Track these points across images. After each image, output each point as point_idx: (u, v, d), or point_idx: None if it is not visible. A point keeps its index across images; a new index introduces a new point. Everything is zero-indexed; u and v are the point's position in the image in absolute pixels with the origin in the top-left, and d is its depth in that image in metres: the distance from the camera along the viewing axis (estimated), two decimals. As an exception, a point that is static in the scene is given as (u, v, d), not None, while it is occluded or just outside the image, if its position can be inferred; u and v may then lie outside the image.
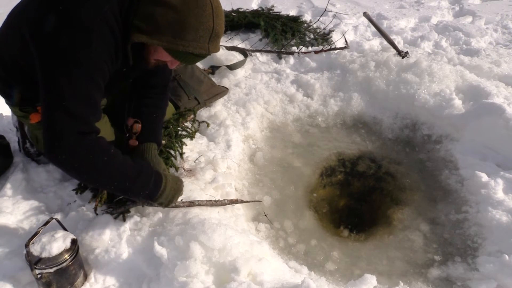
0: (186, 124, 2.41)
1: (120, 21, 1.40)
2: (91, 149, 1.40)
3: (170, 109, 2.32)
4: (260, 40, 3.60)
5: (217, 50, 1.49)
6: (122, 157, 1.50)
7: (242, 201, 1.98)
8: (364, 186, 2.54)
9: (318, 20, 3.86)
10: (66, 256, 1.45)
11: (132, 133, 1.84)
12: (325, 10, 4.06)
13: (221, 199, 1.91)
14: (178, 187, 1.67)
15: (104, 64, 1.42)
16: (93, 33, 1.33)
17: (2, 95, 1.75)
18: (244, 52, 3.33)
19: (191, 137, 2.32)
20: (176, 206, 1.76)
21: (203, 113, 2.61)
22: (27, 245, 1.42)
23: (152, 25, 1.37)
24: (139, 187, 1.52)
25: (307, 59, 3.29)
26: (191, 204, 1.79)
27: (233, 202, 1.94)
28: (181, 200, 1.79)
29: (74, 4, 1.34)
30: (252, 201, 2.09)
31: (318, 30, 3.75)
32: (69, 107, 1.34)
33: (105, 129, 1.89)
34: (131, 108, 1.91)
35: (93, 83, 1.41)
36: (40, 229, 1.47)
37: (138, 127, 1.83)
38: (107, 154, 1.44)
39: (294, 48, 3.45)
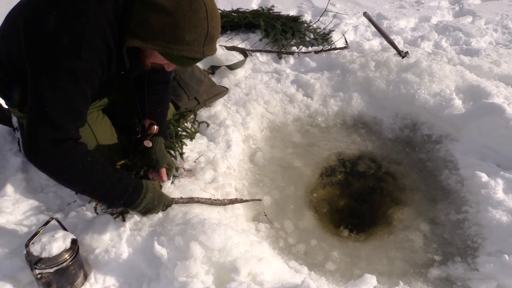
0: (186, 124, 2.41)
1: (115, 25, 1.39)
2: (65, 156, 1.41)
3: (170, 110, 2.32)
4: (260, 40, 3.60)
5: (213, 52, 1.47)
6: (101, 166, 1.49)
7: (242, 200, 1.99)
8: (364, 186, 2.53)
9: (318, 20, 3.86)
10: (66, 256, 1.45)
11: (147, 134, 1.83)
12: (325, 10, 4.06)
13: (220, 199, 1.91)
14: (159, 199, 1.66)
15: (93, 73, 1.42)
16: (83, 42, 1.32)
17: (1, 97, 1.75)
18: (244, 52, 3.32)
19: (191, 137, 2.32)
20: (176, 202, 1.77)
21: (203, 113, 2.61)
22: (27, 245, 1.41)
23: (145, 30, 1.36)
24: (113, 197, 1.54)
25: (307, 59, 3.29)
26: (191, 200, 1.79)
27: (233, 201, 1.94)
28: (180, 197, 1.80)
29: (68, 11, 1.33)
30: (252, 200, 2.09)
31: (318, 30, 3.75)
32: (48, 113, 1.35)
33: (105, 129, 1.90)
34: (144, 107, 1.90)
35: (78, 91, 1.41)
36: (40, 229, 1.47)
37: (155, 129, 1.82)
38: (83, 161, 1.45)
39: (294, 48, 3.45)
